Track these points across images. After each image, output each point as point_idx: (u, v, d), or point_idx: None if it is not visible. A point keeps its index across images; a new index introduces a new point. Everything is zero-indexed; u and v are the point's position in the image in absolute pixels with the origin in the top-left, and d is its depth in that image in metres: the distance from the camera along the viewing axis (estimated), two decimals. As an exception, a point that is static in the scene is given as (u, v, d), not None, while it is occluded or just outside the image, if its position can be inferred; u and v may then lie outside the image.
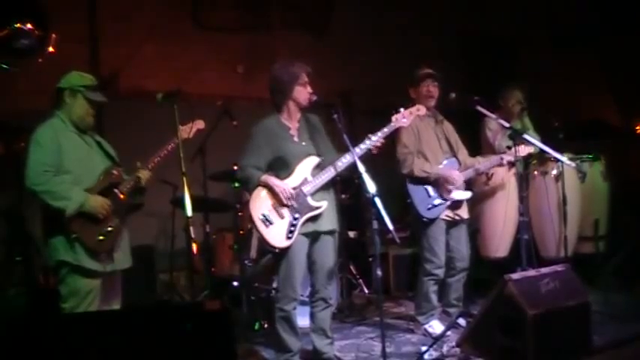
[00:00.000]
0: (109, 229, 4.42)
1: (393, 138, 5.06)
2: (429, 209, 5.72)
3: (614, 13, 8.23)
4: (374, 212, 4.35)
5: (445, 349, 5.18)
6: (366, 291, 7.15)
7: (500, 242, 6.67)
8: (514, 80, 7.08)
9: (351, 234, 7.37)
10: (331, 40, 8.66)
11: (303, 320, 5.25)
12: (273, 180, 4.79)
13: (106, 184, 4.48)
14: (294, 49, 7.71)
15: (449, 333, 5.38)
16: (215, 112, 6.12)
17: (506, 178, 6.53)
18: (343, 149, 4.79)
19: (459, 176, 5.74)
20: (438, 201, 5.72)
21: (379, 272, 4.48)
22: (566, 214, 6.27)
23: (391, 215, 4.31)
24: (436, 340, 5.28)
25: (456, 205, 5.80)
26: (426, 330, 5.80)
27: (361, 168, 4.50)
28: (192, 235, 4.45)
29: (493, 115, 6.02)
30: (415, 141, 5.77)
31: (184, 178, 4.54)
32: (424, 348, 5.22)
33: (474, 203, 6.36)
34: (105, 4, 7.25)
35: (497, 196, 6.60)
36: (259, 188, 4.83)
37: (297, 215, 4.78)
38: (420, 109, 5.19)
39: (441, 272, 5.79)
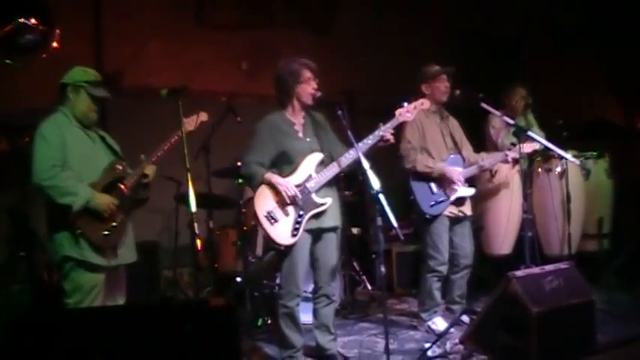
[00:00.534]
0: (114, 224, 4.42)
1: (396, 133, 5.04)
2: (431, 206, 5.72)
3: (615, 12, 8.22)
4: (378, 209, 4.34)
5: (448, 346, 5.17)
6: (369, 288, 7.16)
7: (503, 239, 6.67)
8: (517, 79, 7.08)
9: (355, 230, 7.37)
10: (334, 39, 8.66)
11: (306, 316, 5.26)
12: (276, 178, 4.79)
13: (110, 179, 4.47)
14: (297, 48, 7.66)
15: (452, 330, 5.38)
16: (219, 108, 6.11)
17: (510, 176, 6.53)
18: (347, 145, 4.79)
19: (460, 173, 5.74)
20: (441, 198, 5.72)
21: (383, 269, 4.47)
22: (570, 211, 6.25)
23: (394, 212, 4.31)
24: (439, 337, 5.27)
25: (459, 201, 5.80)
26: (429, 327, 5.81)
27: (365, 164, 4.50)
28: (197, 232, 4.45)
29: (498, 112, 6.02)
30: (419, 137, 5.77)
31: (189, 175, 4.53)
32: (427, 345, 5.21)
33: (478, 200, 6.36)
34: (109, 3, 7.25)
35: (501, 193, 6.61)
36: (263, 186, 4.83)
37: (301, 212, 4.78)
38: (425, 103, 5.19)
39: (444, 269, 5.79)
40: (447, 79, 5.82)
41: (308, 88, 4.87)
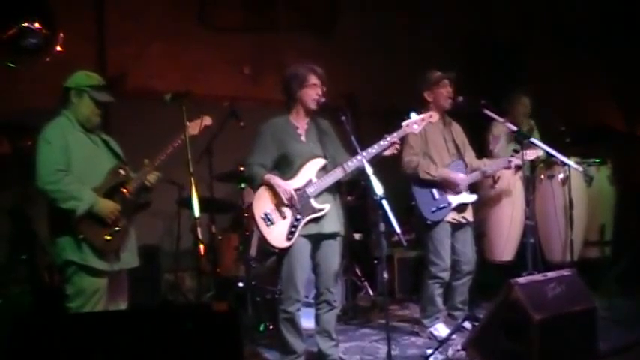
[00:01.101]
0: (117, 229, 4.41)
1: (400, 140, 5.03)
2: (433, 212, 5.71)
3: (617, 17, 8.22)
4: (381, 214, 4.34)
5: (450, 352, 5.18)
6: (371, 293, 7.15)
7: (505, 246, 6.67)
8: (519, 85, 7.09)
9: (357, 236, 7.36)
10: (337, 42, 8.66)
11: (308, 322, 5.24)
12: (276, 180, 4.79)
13: (113, 183, 4.46)
14: (299, 50, 7.71)
15: (454, 336, 5.39)
16: (222, 112, 6.11)
17: (513, 182, 6.53)
18: (351, 151, 4.79)
19: (463, 179, 5.74)
20: (442, 204, 5.71)
21: (385, 275, 4.47)
22: (572, 218, 6.25)
23: (397, 218, 4.31)
24: (441, 343, 5.28)
25: (461, 208, 5.79)
26: (431, 333, 5.79)
27: (369, 170, 4.50)
28: (200, 236, 4.45)
29: (501, 119, 6.02)
30: (422, 143, 5.76)
31: (192, 179, 4.53)
32: (429, 351, 5.22)
33: (480, 207, 6.36)
34: (112, 4, 7.27)
35: (504, 199, 6.60)
36: (263, 187, 4.83)
37: (298, 216, 4.77)
38: (433, 116, 5.17)
39: (446, 275, 5.78)
40: (449, 84, 5.81)
41: (312, 93, 4.86)
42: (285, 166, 4.88)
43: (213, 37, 7.92)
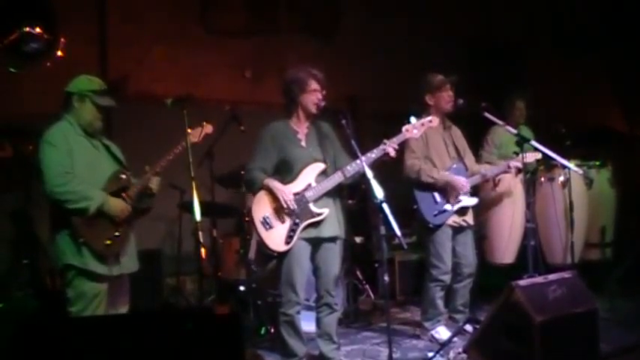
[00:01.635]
0: (117, 233, 4.41)
1: (400, 144, 5.05)
2: (435, 215, 5.72)
3: (619, 20, 8.22)
4: (381, 218, 4.35)
5: (452, 355, 5.18)
6: (372, 296, 7.16)
7: (506, 248, 6.67)
8: (518, 88, 7.09)
9: (358, 239, 7.37)
10: (338, 46, 8.68)
11: (309, 325, 5.25)
12: (275, 184, 4.80)
13: (114, 188, 4.46)
14: (301, 54, 7.73)
15: (455, 339, 5.40)
16: (223, 116, 6.11)
17: (513, 185, 6.53)
18: (351, 154, 4.80)
19: (465, 182, 5.74)
20: (444, 207, 5.72)
21: (386, 278, 4.48)
22: (572, 220, 6.27)
23: (397, 221, 4.32)
24: (443, 346, 5.28)
25: (462, 211, 5.80)
26: (432, 336, 5.79)
27: (369, 174, 4.51)
28: (201, 240, 4.45)
29: (501, 122, 6.04)
30: (423, 147, 5.77)
31: (193, 183, 4.54)
32: (431, 354, 5.23)
33: (481, 209, 6.36)
34: (114, 7, 7.28)
35: (504, 202, 6.61)
36: (262, 192, 4.85)
37: (297, 220, 4.78)
38: (433, 121, 5.18)
39: (447, 278, 5.79)
40: (450, 87, 5.82)
41: (313, 98, 4.87)
42: (285, 171, 4.89)
43: (215, 40, 7.93)
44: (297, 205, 4.77)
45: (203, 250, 4.50)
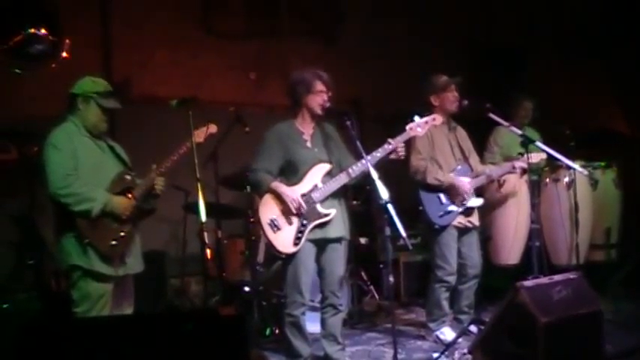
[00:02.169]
0: (122, 234, 4.42)
1: (407, 145, 5.06)
2: (440, 216, 5.71)
3: (620, 20, 8.21)
4: (386, 219, 4.35)
5: (457, 356, 5.19)
6: (377, 297, 7.15)
7: (511, 249, 6.67)
8: (521, 89, 7.09)
9: (362, 240, 7.36)
10: (341, 48, 8.67)
11: (314, 326, 5.25)
12: (282, 188, 4.80)
13: (119, 189, 4.47)
14: (304, 56, 7.72)
15: (460, 340, 5.39)
16: (227, 118, 6.11)
17: (518, 186, 6.52)
18: (356, 155, 4.80)
19: (470, 184, 5.74)
20: (450, 208, 5.72)
21: (391, 279, 4.48)
22: (577, 221, 6.25)
23: (402, 222, 4.31)
24: (447, 347, 5.28)
25: (467, 212, 5.80)
26: (437, 337, 5.80)
27: (374, 174, 4.51)
28: (206, 241, 4.46)
29: (505, 123, 6.03)
30: (429, 147, 5.77)
31: (199, 184, 4.54)
32: (435, 355, 5.23)
33: (486, 210, 6.36)
34: (117, 11, 7.29)
35: (509, 203, 6.61)
36: (269, 194, 4.84)
37: (305, 222, 4.79)
38: (437, 119, 5.20)
39: (452, 279, 5.79)
40: (455, 88, 5.82)
41: (318, 99, 4.88)
42: (291, 172, 4.89)
43: (218, 43, 7.93)
44: (305, 207, 4.77)
45: (208, 251, 4.50)
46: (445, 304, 5.85)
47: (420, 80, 5.99)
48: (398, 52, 8.75)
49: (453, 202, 5.72)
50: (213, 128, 4.88)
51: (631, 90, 8.32)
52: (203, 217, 4.42)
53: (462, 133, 6.03)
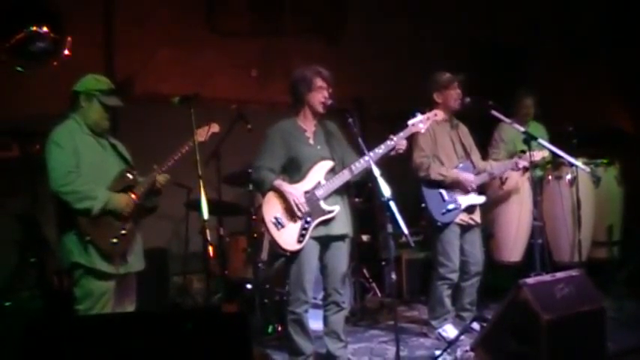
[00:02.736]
0: (123, 232, 4.42)
1: (409, 141, 5.06)
2: (443, 214, 5.71)
3: (624, 19, 8.20)
4: (388, 216, 4.35)
5: (459, 353, 5.19)
6: (379, 295, 7.15)
7: (514, 247, 6.66)
8: (522, 87, 7.09)
9: (365, 237, 7.36)
10: (344, 46, 8.67)
11: (316, 324, 5.25)
12: (285, 187, 4.80)
13: (121, 187, 4.47)
14: (307, 55, 7.70)
15: (462, 337, 5.39)
16: (229, 116, 6.12)
17: (520, 183, 6.52)
18: (358, 152, 4.80)
19: (474, 180, 5.74)
20: (452, 205, 5.71)
21: (394, 276, 4.48)
22: (580, 218, 6.25)
23: (404, 219, 4.31)
24: (450, 344, 5.28)
25: (470, 209, 5.80)
26: (439, 334, 5.79)
27: (376, 172, 4.51)
28: (208, 239, 4.46)
29: (508, 120, 6.03)
30: (432, 145, 5.77)
31: (201, 182, 4.54)
32: (438, 352, 5.22)
33: (488, 208, 6.36)
34: (120, 9, 7.29)
35: (511, 200, 6.60)
36: (272, 192, 4.84)
37: (308, 219, 4.78)
38: (438, 114, 5.20)
39: (454, 276, 5.78)
40: (458, 86, 5.82)
41: (319, 96, 4.88)
42: (294, 169, 4.89)
43: (221, 41, 7.94)
44: (308, 204, 4.77)
45: (210, 249, 4.51)
46: (447, 301, 5.85)
47: (422, 79, 5.98)
48: (400, 51, 8.75)
49: (455, 199, 5.71)
50: (215, 127, 4.90)
51: (633, 88, 8.31)
52: (205, 214, 4.41)
53: (463, 130, 6.03)
